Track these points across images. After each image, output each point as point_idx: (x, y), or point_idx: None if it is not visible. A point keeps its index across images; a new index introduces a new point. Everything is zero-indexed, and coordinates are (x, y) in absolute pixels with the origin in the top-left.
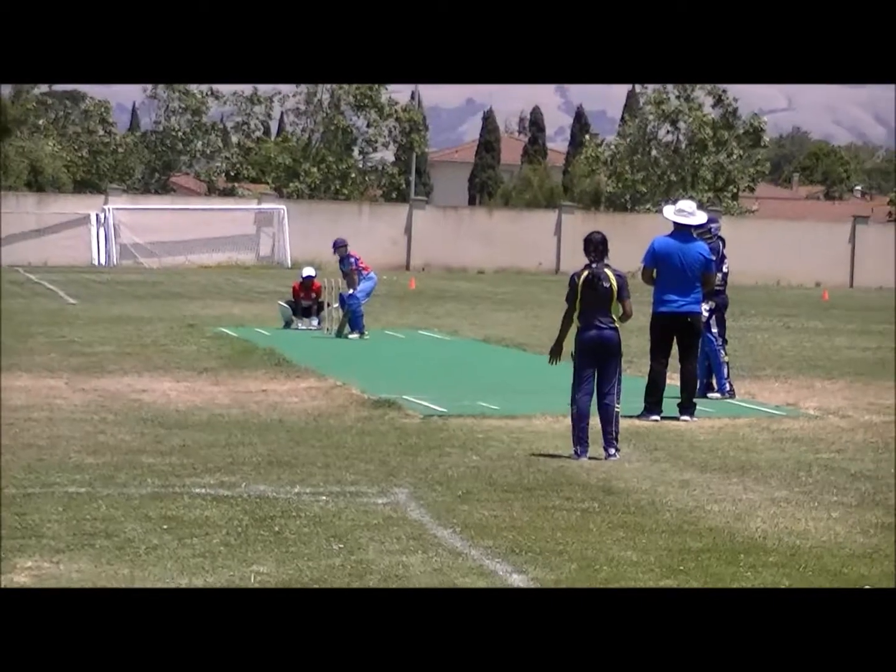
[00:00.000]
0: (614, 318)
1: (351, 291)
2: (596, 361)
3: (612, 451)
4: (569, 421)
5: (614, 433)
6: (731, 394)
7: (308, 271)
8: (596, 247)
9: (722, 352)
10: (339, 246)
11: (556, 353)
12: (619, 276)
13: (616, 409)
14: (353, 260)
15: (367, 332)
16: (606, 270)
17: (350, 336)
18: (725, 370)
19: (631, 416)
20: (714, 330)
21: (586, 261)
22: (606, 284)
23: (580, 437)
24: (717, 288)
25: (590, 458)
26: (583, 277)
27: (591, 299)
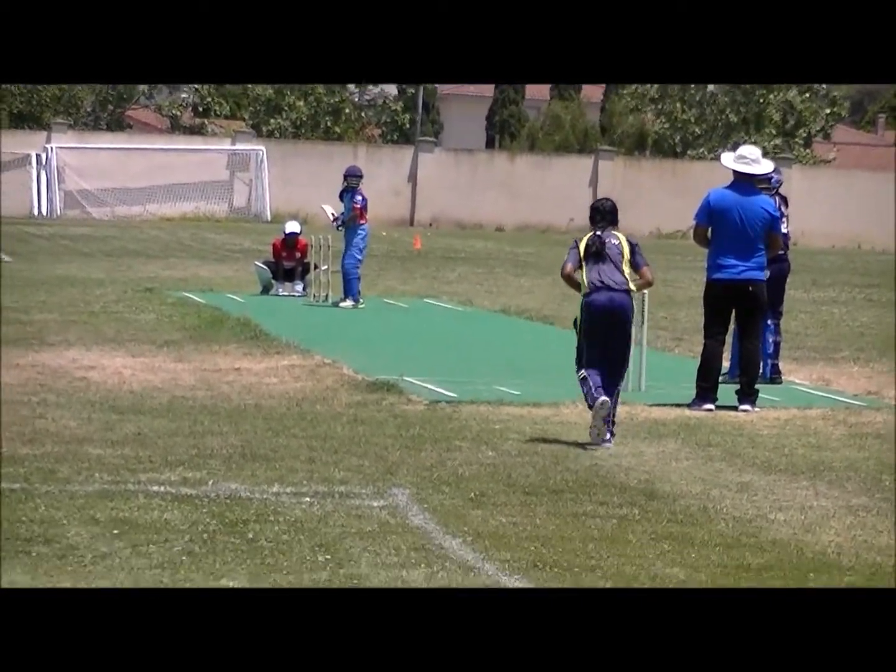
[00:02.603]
0: (627, 279)
1: (334, 218)
2: (605, 334)
3: (608, 436)
4: None
5: (611, 417)
6: (775, 379)
7: (292, 226)
8: (604, 215)
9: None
10: (353, 175)
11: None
12: (630, 240)
13: (618, 390)
14: (360, 198)
15: (362, 301)
16: (614, 232)
17: (341, 305)
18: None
19: (680, 405)
20: None
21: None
22: (615, 241)
23: (595, 388)
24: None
25: (616, 445)
26: (584, 241)
27: (598, 263)
